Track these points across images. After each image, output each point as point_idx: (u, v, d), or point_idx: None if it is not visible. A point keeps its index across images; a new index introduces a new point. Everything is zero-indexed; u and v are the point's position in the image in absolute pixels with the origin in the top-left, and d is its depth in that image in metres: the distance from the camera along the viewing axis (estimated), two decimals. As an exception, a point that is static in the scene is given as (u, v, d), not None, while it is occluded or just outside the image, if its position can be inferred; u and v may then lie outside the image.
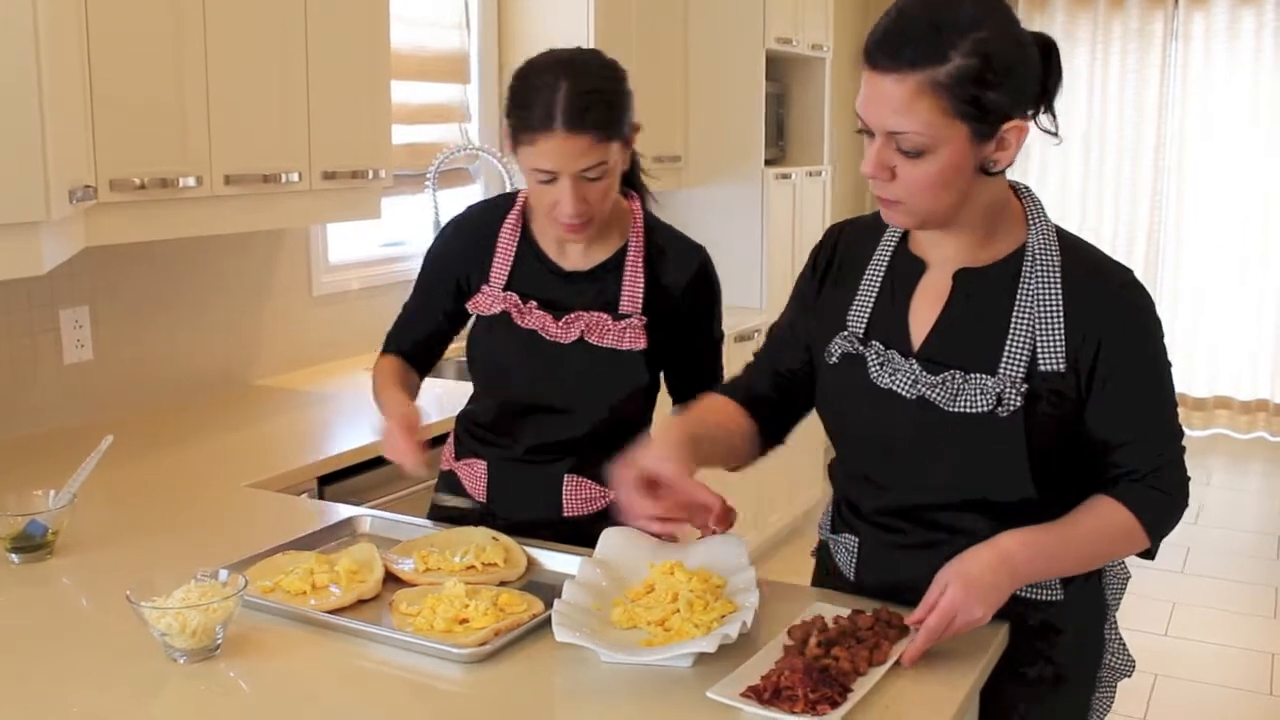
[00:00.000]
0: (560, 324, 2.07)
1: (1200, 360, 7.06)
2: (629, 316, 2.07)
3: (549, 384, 2.08)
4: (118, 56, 2.51)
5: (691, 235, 2.19)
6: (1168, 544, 1.70)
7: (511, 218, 2.14)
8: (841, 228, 1.85)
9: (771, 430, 1.89)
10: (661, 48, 4.78)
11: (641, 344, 2.06)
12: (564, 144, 1.90)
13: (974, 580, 1.56)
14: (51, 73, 2.11)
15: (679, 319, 2.12)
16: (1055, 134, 1.63)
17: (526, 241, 2.13)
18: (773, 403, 1.87)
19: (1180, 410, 1.68)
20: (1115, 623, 1.82)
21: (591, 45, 2.03)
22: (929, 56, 1.48)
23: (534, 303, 2.09)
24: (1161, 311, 1.65)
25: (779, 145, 5.44)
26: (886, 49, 1.51)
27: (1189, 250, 7.02)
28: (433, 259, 2.23)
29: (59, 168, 2.14)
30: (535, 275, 2.11)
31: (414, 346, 2.26)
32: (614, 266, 2.10)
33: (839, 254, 1.82)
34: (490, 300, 2.11)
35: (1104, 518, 1.64)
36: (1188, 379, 7.02)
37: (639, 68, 2.01)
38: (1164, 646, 4.30)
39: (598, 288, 2.09)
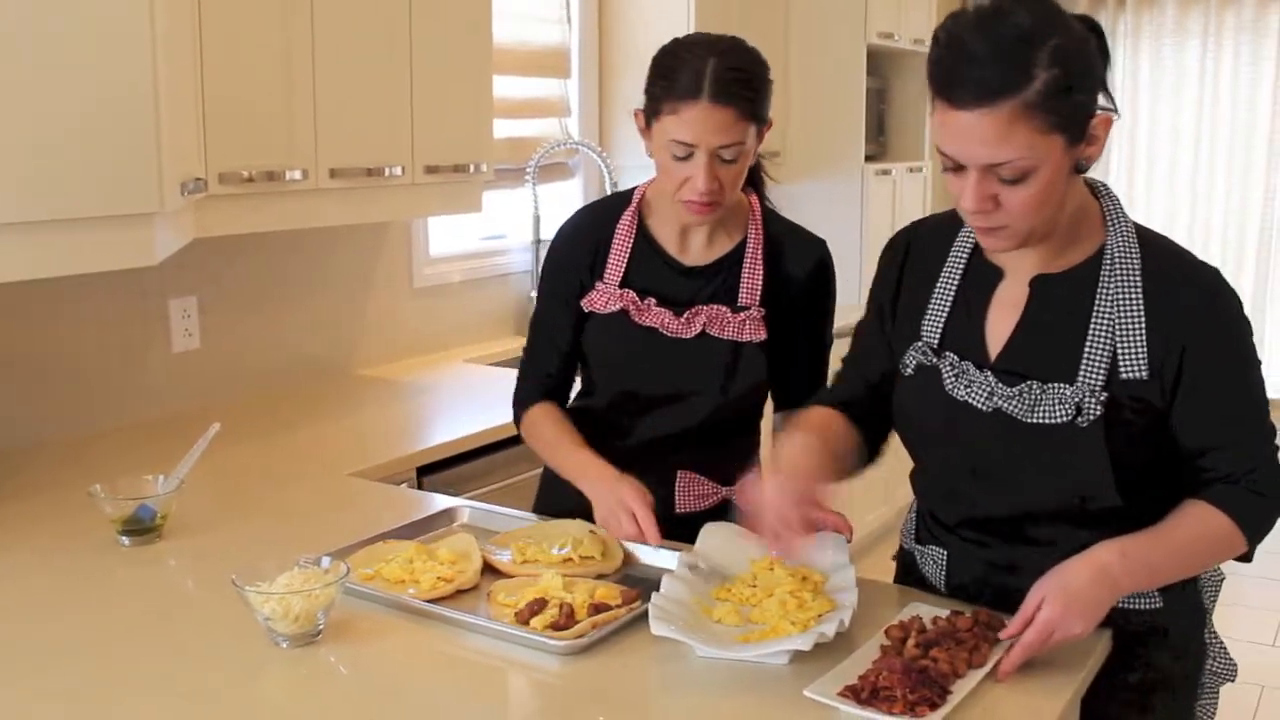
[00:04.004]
0: (681, 320, 2.05)
1: (1313, 362, 6.85)
2: (748, 309, 2.06)
3: (668, 379, 2.06)
4: (229, 54, 2.56)
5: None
6: (1276, 552, 1.65)
7: (627, 215, 2.12)
8: (912, 231, 1.80)
9: (870, 443, 1.85)
10: (762, 42, 4.71)
11: (761, 335, 2.05)
12: (708, 114, 1.89)
13: (1074, 595, 1.52)
14: (166, 71, 2.15)
15: (796, 313, 2.08)
16: (1115, 109, 1.54)
17: (644, 238, 2.11)
18: (868, 414, 1.83)
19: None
20: (1213, 626, 1.78)
21: (691, 40, 2.02)
22: (1014, 80, 1.42)
23: (652, 299, 2.07)
24: (1275, 309, 1.59)
25: (879, 141, 5.39)
26: (963, 82, 1.44)
27: (1302, 247, 6.80)
28: (550, 268, 2.17)
29: (172, 161, 2.19)
30: (654, 271, 2.09)
31: (557, 374, 2.17)
32: (734, 260, 2.08)
33: (911, 258, 1.78)
34: (606, 298, 2.09)
35: (1202, 523, 1.59)
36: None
37: (739, 62, 2.00)
38: (1272, 658, 4.18)
39: (718, 281, 2.08)
